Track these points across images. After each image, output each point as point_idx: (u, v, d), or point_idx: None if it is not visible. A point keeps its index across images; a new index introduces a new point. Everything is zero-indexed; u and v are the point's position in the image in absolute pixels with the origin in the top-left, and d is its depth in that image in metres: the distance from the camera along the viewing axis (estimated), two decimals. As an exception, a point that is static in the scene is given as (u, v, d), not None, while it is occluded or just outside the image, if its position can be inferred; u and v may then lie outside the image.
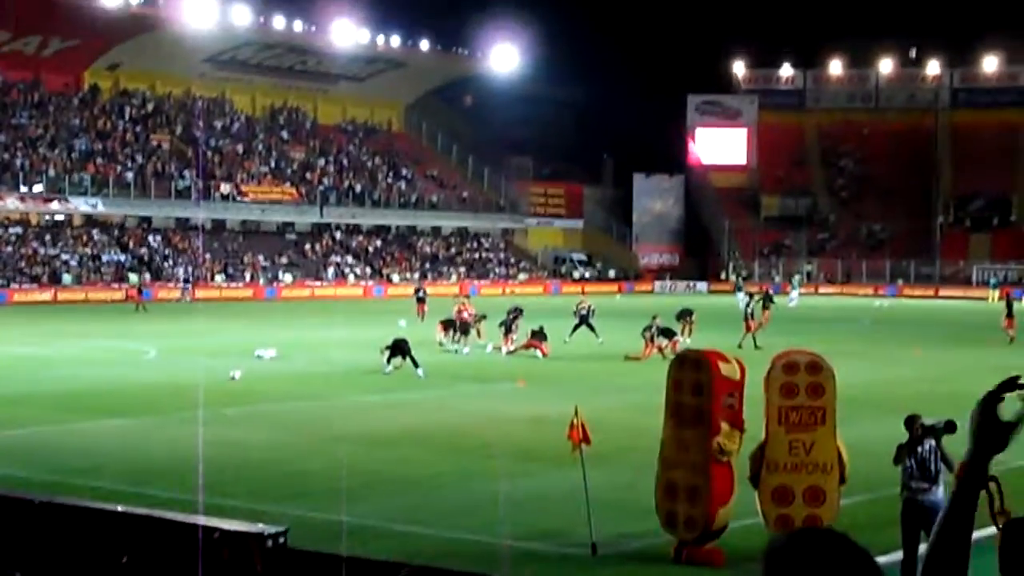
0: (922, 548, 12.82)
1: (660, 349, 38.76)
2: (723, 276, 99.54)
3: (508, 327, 41.21)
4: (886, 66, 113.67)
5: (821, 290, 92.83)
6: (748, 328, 43.10)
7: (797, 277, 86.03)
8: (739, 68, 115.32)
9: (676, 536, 14.63)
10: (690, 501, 14.45)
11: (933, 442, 13.13)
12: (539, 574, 13.03)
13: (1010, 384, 3.19)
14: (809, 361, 14.64)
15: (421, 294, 57.09)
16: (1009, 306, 48.25)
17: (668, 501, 14.61)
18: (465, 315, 41.78)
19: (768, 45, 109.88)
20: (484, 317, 42.80)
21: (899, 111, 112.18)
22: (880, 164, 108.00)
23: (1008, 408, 3.16)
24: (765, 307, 48.64)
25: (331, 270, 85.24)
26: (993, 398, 3.16)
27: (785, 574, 2.58)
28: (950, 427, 13.16)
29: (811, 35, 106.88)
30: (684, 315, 44.12)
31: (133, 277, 74.43)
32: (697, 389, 14.60)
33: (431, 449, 22.24)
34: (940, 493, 13.04)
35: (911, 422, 13.43)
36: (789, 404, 14.33)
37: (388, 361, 33.56)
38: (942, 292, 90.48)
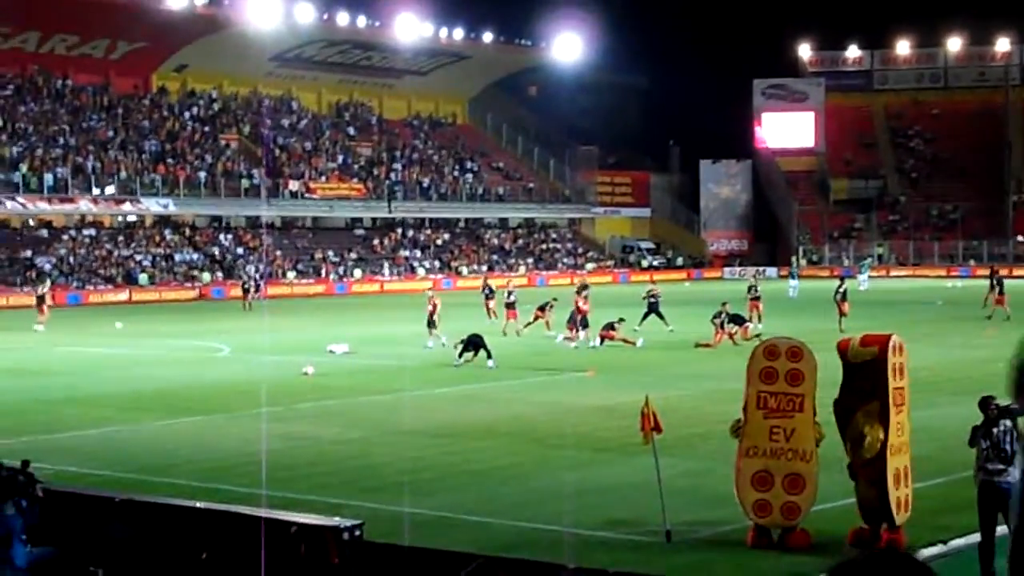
0: (1000, 530, 12.71)
1: (731, 336, 38.62)
2: (793, 261, 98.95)
3: (574, 318, 41.30)
4: (954, 44, 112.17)
5: (893, 272, 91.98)
6: (842, 312, 43.10)
7: (868, 260, 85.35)
8: (805, 51, 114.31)
9: (768, 524, 14.56)
10: (790, 489, 14.46)
11: (1009, 423, 13.00)
12: (613, 562, 13.03)
13: None
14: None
15: (488, 291, 49.73)
16: (996, 283, 48.73)
17: (758, 490, 14.56)
18: (584, 307, 41.29)
19: (834, 26, 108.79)
20: (555, 301, 43.38)
21: (969, 89, 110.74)
22: (950, 143, 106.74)
23: None
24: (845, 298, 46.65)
25: (399, 265, 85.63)
26: None
27: None
28: (1026, 408, 13.07)
29: (877, 15, 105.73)
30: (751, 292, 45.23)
31: (202, 273, 75.22)
32: (794, 378, 14.62)
33: (502, 440, 22.30)
34: (1016, 474, 12.88)
35: (986, 403, 13.31)
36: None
37: (460, 355, 33.71)
38: (1016, 272, 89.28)
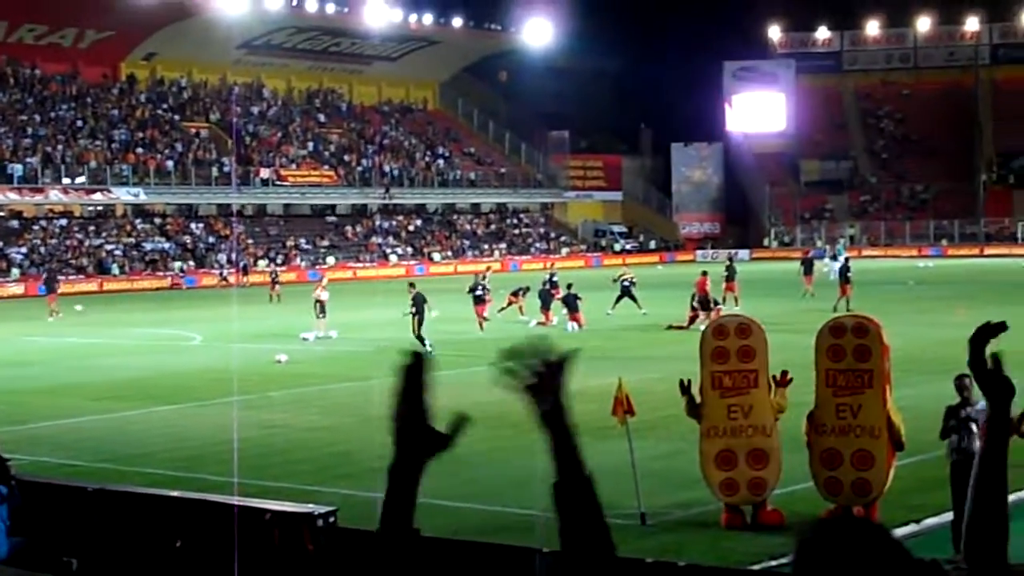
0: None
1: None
2: (765, 243, 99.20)
3: (546, 301, 41.45)
4: (924, 24, 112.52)
5: (865, 253, 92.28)
6: (844, 292, 43.21)
7: (842, 241, 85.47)
8: (775, 32, 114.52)
9: (737, 501, 14.56)
10: (754, 464, 14.44)
11: (982, 402, 13.03)
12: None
13: (990, 330, 3.06)
14: (856, 324, 14.64)
15: (480, 291, 40.47)
16: (805, 264, 50.86)
17: (723, 469, 14.55)
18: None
19: (803, 7, 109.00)
20: (528, 289, 43.37)
21: (938, 70, 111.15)
22: (920, 124, 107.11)
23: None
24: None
25: (371, 252, 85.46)
26: (977, 350, 3.04)
27: (818, 564, 2.51)
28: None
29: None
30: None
31: (173, 262, 74.88)
32: (746, 354, 14.60)
33: (477, 425, 22.16)
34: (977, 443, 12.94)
35: (960, 381, 13.36)
36: (836, 367, 14.35)
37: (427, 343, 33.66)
38: (987, 251, 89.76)
